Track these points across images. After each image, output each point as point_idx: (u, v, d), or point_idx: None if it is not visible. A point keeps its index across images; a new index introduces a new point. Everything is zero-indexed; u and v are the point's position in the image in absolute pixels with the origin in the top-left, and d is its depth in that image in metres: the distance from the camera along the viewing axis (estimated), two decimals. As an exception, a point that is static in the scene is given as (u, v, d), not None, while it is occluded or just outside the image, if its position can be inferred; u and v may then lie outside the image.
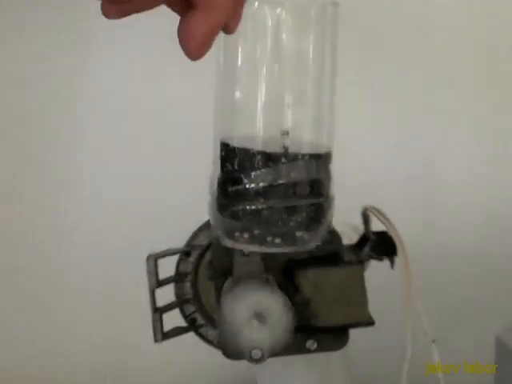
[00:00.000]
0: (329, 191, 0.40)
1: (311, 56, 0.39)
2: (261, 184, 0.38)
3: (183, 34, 0.30)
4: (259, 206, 0.38)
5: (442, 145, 0.80)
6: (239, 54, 0.38)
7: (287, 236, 0.39)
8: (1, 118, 0.83)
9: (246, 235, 0.39)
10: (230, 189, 0.39)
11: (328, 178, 0.40)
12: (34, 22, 0.81)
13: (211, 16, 0.30)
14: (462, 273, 0.79)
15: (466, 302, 0.79)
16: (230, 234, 0.39)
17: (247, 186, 0.38)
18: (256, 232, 0.38)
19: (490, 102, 0.80)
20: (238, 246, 0.40)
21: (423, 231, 0.79)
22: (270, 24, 0.37)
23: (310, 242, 0.40)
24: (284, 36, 0.37)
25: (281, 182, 0.38)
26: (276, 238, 0.39)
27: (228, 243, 0.40)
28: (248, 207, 0.38)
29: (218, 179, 0.40)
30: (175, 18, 0.33)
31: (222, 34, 0.33)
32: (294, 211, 0.38)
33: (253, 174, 0.38)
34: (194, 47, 0.30)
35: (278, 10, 0.36)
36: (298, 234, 0.39)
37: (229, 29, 0.33)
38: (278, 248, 0.39)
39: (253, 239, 0.39)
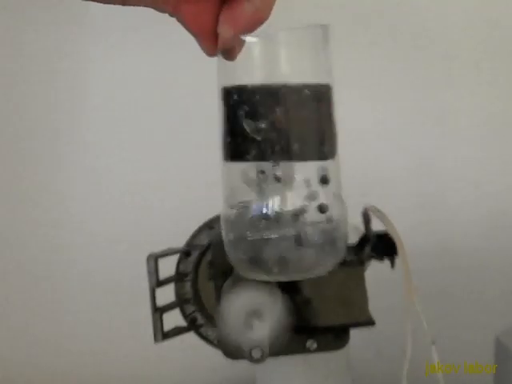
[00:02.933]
0: (340, 215, 0.40)
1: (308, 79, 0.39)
2: (270, 212, 0.38)
3: (227, 19, 0.32)
4: (271, 236, 0.38)
5: (442, 145, 0.80)
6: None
7: (301, 263, 0.39)
8: (1, 118, 0.83)
9: (261, 266, 0.39)
10: (241, 220, 0.39)
11: (338, 202, 0.40)
12: (35, 22, 0.81)
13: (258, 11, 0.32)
14: (462, 273, 0.79)
15: (466, 301, 0.79)
16: (245, 266, 0.39)
17: (257, 215, 0.38)
18: (269, 262, 0.38)
19: (490, 101, 0.80)
20: (256, 276, 0.40)
21: (424, 231, 0.79)
22: (262, 54, 0.36)
23: (325, 267, 0.40)
24: (278, 65, 0.37)
25: (290, 209, 0.38)
26: (291, 266, 0.38)
27: (246, 275, 0.40)
28: (259, 237, 0.38)
29: (229, 213, 0.40)
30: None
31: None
32: (305, 238, 0.38)
33: (261, 202, 0.38)
34: (231, 35, 0.32)
35: (270, 41, 0.36)
36: (312, 260, 0.39)
37: (232, 55, 0.34)
38: (293, 276, 0.39)
39: (268, 269, 0.39)
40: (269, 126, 0.36)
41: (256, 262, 0.38)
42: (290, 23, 0.37)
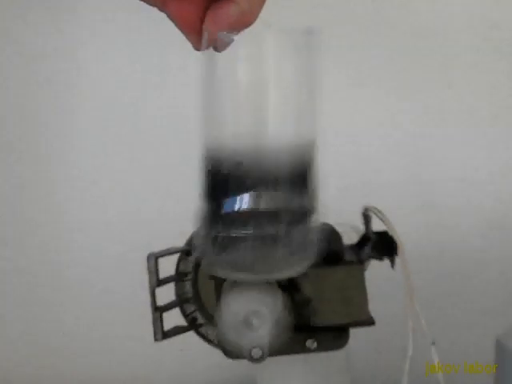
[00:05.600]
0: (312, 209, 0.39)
1: (292, 81, 0.38)
2: (245, 210, 0.37)
3: (211, 19, 0.32)
4: (244, 234, 0.37)
5: (441, 145, 0.80)
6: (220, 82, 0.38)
7: (276, 262, 0.38)
8: (1, 118, 0.83)
9: (235, 264, 0.38)
10: (214, 218, 0.38)
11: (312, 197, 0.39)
12: (32, 22, 0.81)
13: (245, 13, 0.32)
14: (462, 272, 0.79)
15: (466, 302, 0.79)
16: (219, 264, 0.39)
17: (231, 213, 0.38)
18: (244, 261, 0.38)
19: (490, 102, 0.80)
20: (232, 276, 0.39)
21: (423, 231, 0.79)
22: (245, 53, 0.36)
23: (301, 263, 0.39)
24: (260, 66, 0.36)
25: (264, 208, 0.38)
26: (265, 265, 0.38)
27: (220, 273, 0.39)
28: (233, 236, 0.37)
29: (203, 210, 0.40)
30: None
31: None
32: (279, 236, 0.37)
33: (236, 201, 0.38)
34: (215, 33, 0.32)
35: (253, 40, 0.35)
36: (287, 258, 0.38)
37: (219, 48, 0.34)
38: (267, 275, 0.39)
39: (241, 268, 0.38)
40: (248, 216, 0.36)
41: (225, 260, 0.38)
42: (289, 23, 0.37)
